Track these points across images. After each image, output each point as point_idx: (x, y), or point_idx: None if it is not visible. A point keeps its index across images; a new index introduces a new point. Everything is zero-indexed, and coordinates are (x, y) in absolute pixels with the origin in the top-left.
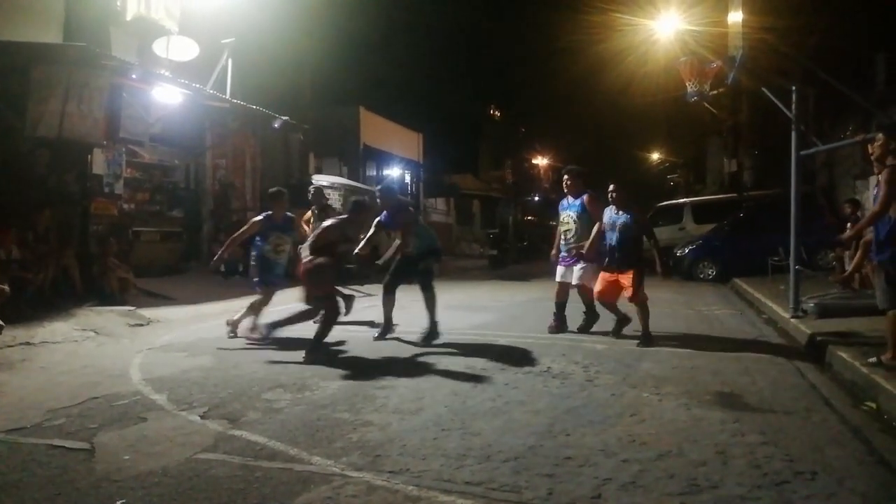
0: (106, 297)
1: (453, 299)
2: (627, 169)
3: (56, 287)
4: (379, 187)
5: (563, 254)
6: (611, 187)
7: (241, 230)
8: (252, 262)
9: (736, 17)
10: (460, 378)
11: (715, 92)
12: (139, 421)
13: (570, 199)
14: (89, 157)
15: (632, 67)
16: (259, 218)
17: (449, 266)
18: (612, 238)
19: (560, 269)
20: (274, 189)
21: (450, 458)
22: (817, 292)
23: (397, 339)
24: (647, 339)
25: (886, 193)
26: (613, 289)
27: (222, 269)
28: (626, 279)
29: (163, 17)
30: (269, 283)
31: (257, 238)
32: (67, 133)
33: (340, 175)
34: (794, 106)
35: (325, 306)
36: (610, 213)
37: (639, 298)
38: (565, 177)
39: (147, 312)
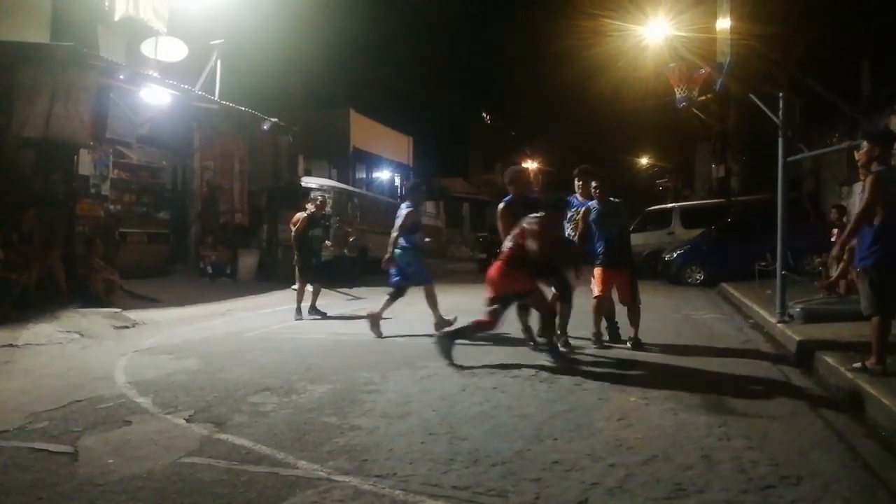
0: (91, 299)
1: (442, 302)
2: (617, 173)
3: (41, 288)
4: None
5: None
6: (593, 183)
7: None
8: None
9: (724, 23)
10: (448, 382)
11: (703, 98)
12: (123, 424)
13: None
14: (76, 157)
15: (622, 72)
16: (410, 209)
17: (438, 269)
18: (613, 231)
19: None
20: (414, 182)
21: (437, 463)
22: (803, 297)
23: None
24: (639, 342)
25: (869, 199)
26: (613, 289)
27: (209, 270)
28: (623, 277)
29: (151, 17)
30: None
31: (404, 234)
32: (54, 133)
33: (330, 178)
34: (781, 112)
35: (532, 302)
36: (598, 207)
37: (637, 299)
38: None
39: (133, 314)
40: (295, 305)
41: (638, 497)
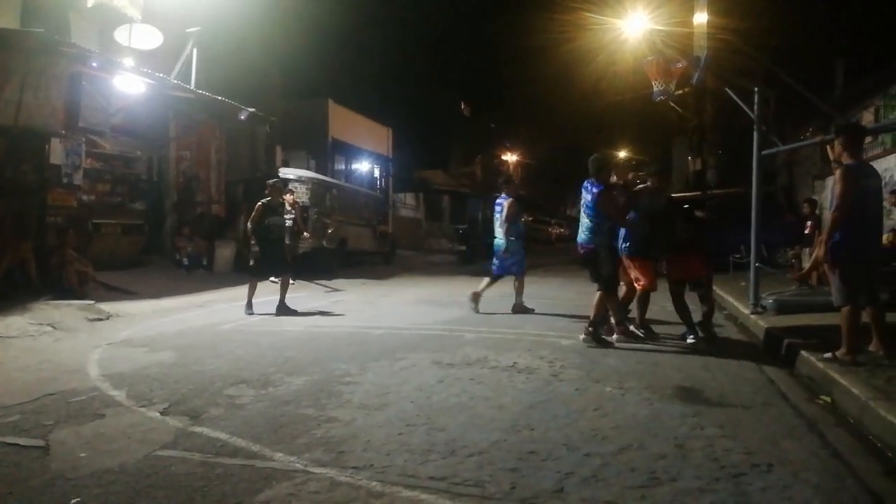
0: (64, 291)
1: (422, 294)
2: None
3: (11, 280)
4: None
5: None
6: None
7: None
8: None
9: (701, 18)
10: (426, 373)
11: (680, 92)
12: (96, 417)
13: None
14: (47, 146)
15: (601, 66)
16: (511, 199)
17: (418, 261)
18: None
19: None
20: (507, 175)
21: (414, 454)
22: (776, 289)
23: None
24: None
25: (842, 193)
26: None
27: (185, 262)
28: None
29: (125, 4)
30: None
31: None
32: (24, 121)
33: (308, 168)
34: (756, 107)
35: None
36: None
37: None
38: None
39: (106, 306)
40: (246, 300)
41: (613, 486)
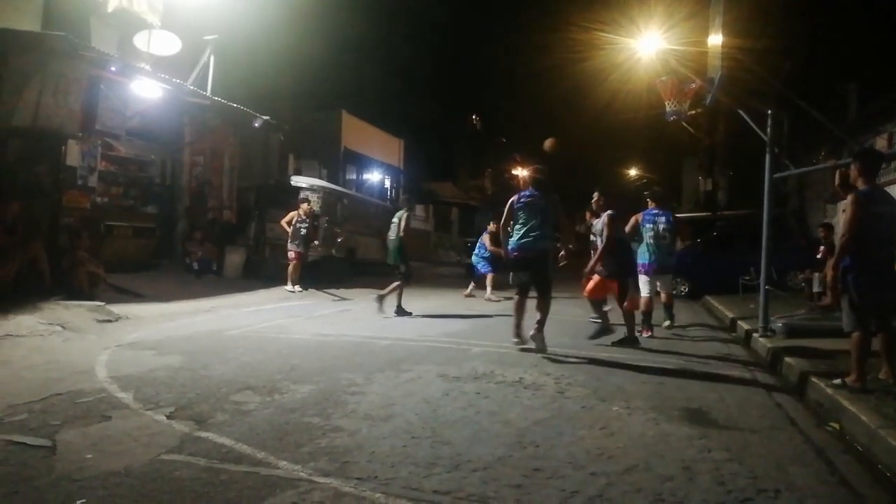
0: (74, 292)
1: (429, 306)
2: (606, 183)
3: (21, 279)
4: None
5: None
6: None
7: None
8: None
9: (716, 39)
10: (432, 386)
11: (693, 112)
12: (103, 419)
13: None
14: (63, 148)
15: (613, 85)
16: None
17: (426, 272)
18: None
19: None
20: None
21: (419, 467)
22: (786, 312)
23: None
24: (632, 341)
25: (853, 219)
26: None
27: (195, 266)
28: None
29: (145, 10)
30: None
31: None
32: (42, 123)
33: (320, 177)
34: (768, 129)
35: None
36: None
37: (630, 305)
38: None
39: (116, 308)
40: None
41: None
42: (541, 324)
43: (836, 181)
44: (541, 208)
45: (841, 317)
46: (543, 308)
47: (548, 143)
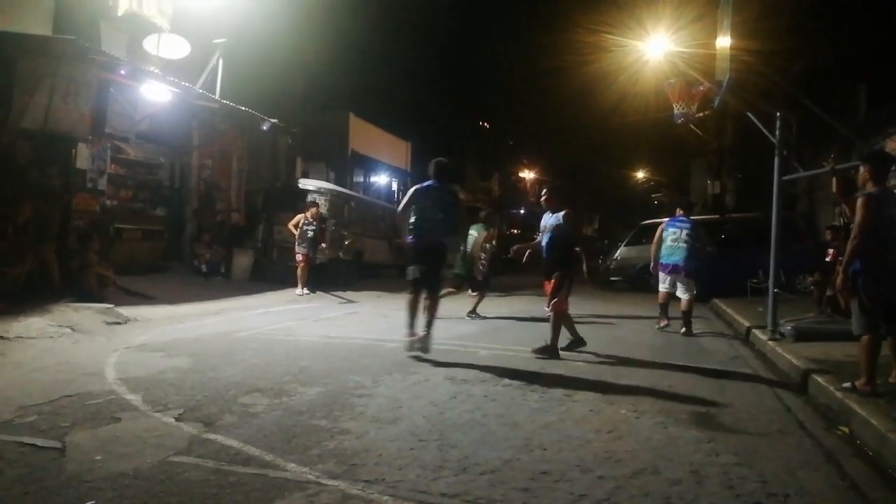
0: (84, 294)
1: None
2: (614, 185)
3: (31, 282)
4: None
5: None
6: (543, 189)
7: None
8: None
9: (724, 41)
10: (439, 389)
11: (701, 114)
12: (112, 421)
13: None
14: (73, 151)
15: (621, 87)
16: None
17: None
18: (544, 241)
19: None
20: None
21: (426, 469)
22: (795, 315)
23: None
24: (552, 351)
25: (862, 222)
26: None
27: (204, 269)
28: (549, 286)
29: (155, 14)
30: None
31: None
32: (52, 126)
33: (327, 180)
34: (777, 131)
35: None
36: (545, 217)
37: (554, 307)
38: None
39: (125, 311)
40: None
41: None
42: (429, 326)
43: (835, 189)
44: (448, 204)
45: (850, 320)
46: (432, 309)
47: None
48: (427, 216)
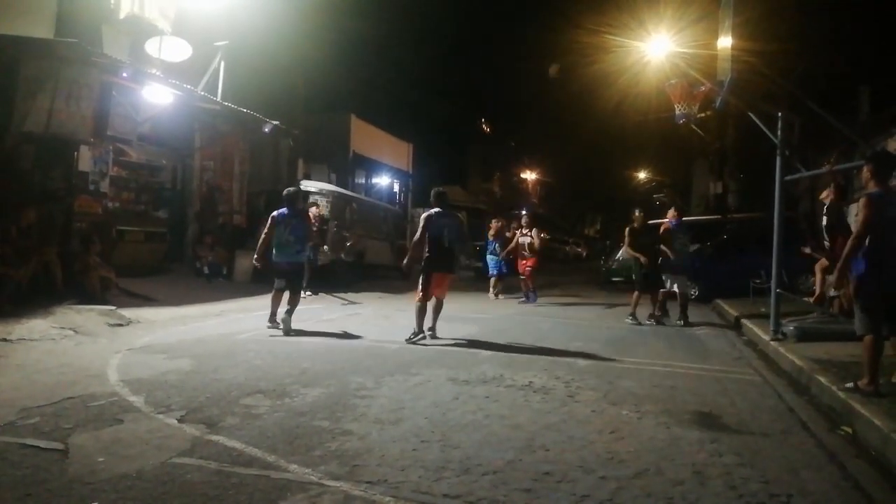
0: (87, 296)
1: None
2: (615, 186)
3: (35, 283)
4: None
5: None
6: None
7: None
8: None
9: (726, 42)
10: (441, 390)
11: (702, 115)
12: (115, 422)
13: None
14: (76, 154)
15: (623, 88)
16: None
17: None
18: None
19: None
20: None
21: (428, 470)
22: (797, 315)
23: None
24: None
25: (863, 221)
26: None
27: (206, 270)
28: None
29: (156, 16)
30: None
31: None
32: (55, 129)
33: (329, 182)
34: (779, 132)
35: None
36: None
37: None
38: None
39: (127, 312)
40: None
41: None
42: (289, 312)
43: (830, 194)
44: (301, 228)
45: (853, 320)
46: (293, 301)
47: (553, 70)
48: (287, 242)
